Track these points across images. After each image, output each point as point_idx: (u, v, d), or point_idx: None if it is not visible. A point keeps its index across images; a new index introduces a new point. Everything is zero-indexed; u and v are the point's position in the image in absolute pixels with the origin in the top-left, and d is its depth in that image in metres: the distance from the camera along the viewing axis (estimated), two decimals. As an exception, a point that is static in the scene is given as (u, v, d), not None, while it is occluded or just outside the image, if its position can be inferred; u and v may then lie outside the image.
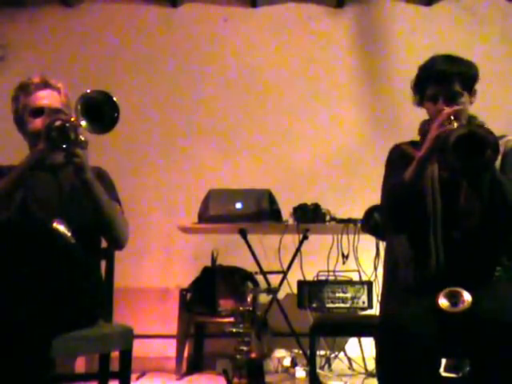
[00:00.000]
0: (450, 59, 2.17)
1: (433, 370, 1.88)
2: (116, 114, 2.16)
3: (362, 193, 4.19)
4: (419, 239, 2.12)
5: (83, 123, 2.14)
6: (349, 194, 4.42)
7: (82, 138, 2.19)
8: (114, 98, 2.16)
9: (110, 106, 2.16)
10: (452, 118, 1.99)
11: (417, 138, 2.31)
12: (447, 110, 2.04)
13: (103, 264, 2.52)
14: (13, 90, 2.45)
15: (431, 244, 2.07)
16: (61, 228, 2.22)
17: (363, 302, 3.79)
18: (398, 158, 2.28)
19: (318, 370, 3.76)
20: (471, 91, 2.19)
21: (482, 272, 2.05)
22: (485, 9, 4.77)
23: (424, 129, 2.26)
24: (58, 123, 2.18)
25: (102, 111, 2.16)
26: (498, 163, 2.12)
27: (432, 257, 2.06)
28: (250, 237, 3.94)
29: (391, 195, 2.15)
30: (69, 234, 2.22)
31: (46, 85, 2.41)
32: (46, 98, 2.39)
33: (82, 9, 4.87)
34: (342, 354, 4.10)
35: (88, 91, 2.17)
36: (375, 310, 3.71)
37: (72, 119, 2.17)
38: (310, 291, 3.79)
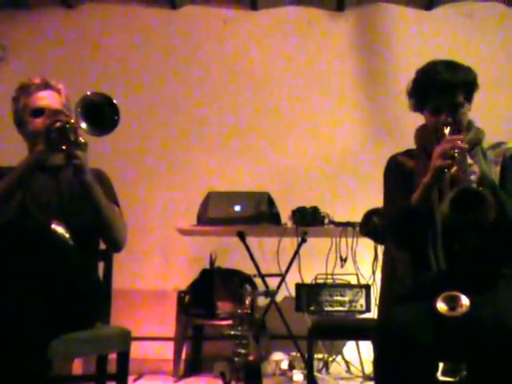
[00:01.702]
0: (452, 67, 2.13)
1: (430, 374, 1.88)
2: (116, 117, 2.16)
3: (361, 196, 4.19)
4: (419, 245, 2.12)
5: (83, 125, 2.14)
6: (347, 198, 4.42)
7: (82, 140, 2.19)
8: (114, 100, 2.16)
9: (110, 108, 2.16)
10: (455, 150, 1.98)
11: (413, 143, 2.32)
12: (450, 138, 2.02)
13: (101, 266, 2.52)
14: (13, 90, 2.46)
15: (430, 250, 2.07)
16: (59, 229, 2.22)
17: (361, 306, 3.78)
18: (395, 170, 2.28)
19: (316, 373, 3.76)
20: (471, 99, 2.18)
21: (481, 278, 2.04)
22: (484, 13, 4.78)
23: (420, 137, 2.27)
24: (57, 124, 2.18)
25: (102, 113, 2.16)
26: (497, 172, 2.13)
27: (431, 261, 2.06)
28: (249, 239, 3.94)
29: (399, 220, 2.13)
30: (67, 236, 2.22)
31: (46, 85, 2.41)
32: (46, 98, 2.39)
33: (83, 10, 4.88)
34: (339, 358, 4.10)
35: (88, 93, 2.17)
36: (373, 314, 3.71)
37: (72, 121, 2.17)
38: (308, 294, 3.78)
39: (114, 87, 4.36)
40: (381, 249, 3.17)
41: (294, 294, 3.83)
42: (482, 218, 1.87)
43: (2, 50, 4.74)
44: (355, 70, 4.78)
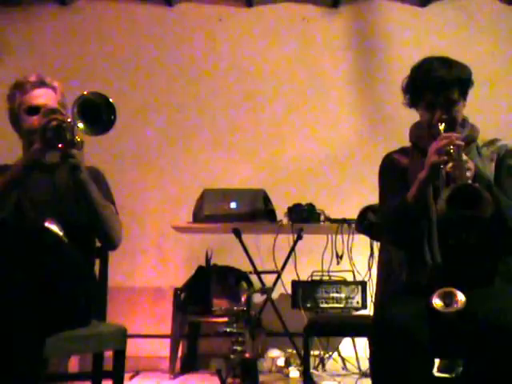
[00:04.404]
0: (447, 63, 2.13)
1: (426, 371, 1.88)
2: (113, 116, 2.15)
3: (357, 193, 4.20)
4: (414, 241, 2.12)
5: (80, 125, 2.13)
6: (343, 194, 4.43)
7: (78, 139, 2.18)
8: (111, 100, 2.15)
9: (107, 108, 2.15)
10: (451, 147, 1.98)
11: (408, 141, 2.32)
12: (446, 135, 2.02)
13: (97, 263, 2.51)
14: (8, 87, 2.45)
15: (425, 247, 2.08)
16: (53, 227, 2.22)
17: (357, 302, 3.79)
18: (389, 168, 2.28)
19: (312, 370, 3.76)
20: (466, 96, 2.18)
21: (476, 274, 2.05)
22: (479, 9, 4.78)
23: (415, 134, 2.27)
24: (53, 123, 2.17)
25: (98, 113, 2.15)
26: (492, 169, 2.13)
27: (427, 257, 2.07)
28: (245, 236, 3.94)
29: (394, 217, 2.13)
30: (61, 234, 2.22)
31: (42, 83, 2.40)
32: (42, 96, 2.38)
33: (77, 7, 4.87)
34: (335, 354, 4.10)
35: (85, 93, 2.16)
36: (369, 310, 3.72)
37: (68, 120, 2.16)
38: (304, 291, 3.79)
39: (108, 84, 4.39)
40: (377, 245, 3.17)
41: (290, 290, 3.84)
42: (480, 215, 1.87)
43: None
44: (350, 66, 4.78)
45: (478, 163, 2.07)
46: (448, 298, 1.92)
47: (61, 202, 2.34)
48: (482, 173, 2.03)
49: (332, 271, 3.90)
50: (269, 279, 4.00)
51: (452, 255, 2.06)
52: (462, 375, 2.48)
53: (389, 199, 2.21)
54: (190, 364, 4.16)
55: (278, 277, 3.96)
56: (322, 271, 3.90)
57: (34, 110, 2.36)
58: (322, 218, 3.87)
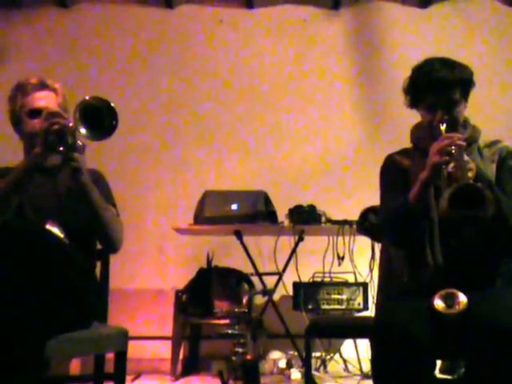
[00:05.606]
0: (448, 64, 2.13)
1: (428, 372, 1.88)
2: (114, 122, 2.14)
3: (358, 194, 4.20)
4: (415, 242, 2.12)
5: (82, 131, 2.13)
6: (344, 196, 4.43)
7: (80, 143, 2.18)
8: (112, 104, 2.14)
9: (108, 112, 2.14)
10: (452, 147, 1.98)
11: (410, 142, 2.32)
12: (447, 135, 2.02)
13: (98, 265, 2.51)
14: (8, 90, 2.44)
15: (427, 247, 2.07)
16: (54, 230, 2.22)
17: (359, 304, 3.79)
18: (391, 169, 2.28)
19: (314, 372, 3.76)
20: (467, 97, 2.18)
21: (478, 275, 2.05)
22: (480, 11, 4.78)
23: (416, 134, 2.27)
24: (55, 127, 2.17)
25: (100, 118, 2.14)
26: (493, 170, 2.13)
27: (428, 258, 2.06)
28: (246, 238, 3.94)
29: (396, 217, 2.13)
30: (61, 236, 2.21)
31: (43, 85, 2.40)
32: (43, 99, 2.38)
33: (78, 10, 4.87)
34: (337, 356, 4.10)
35: (87, 98, 2.15)
36: (371, 312, 3.72)
37: (70, 124, 2.16)
38: (306, 293, 3.79)
39: (109, 86, 4.40)
40: (378, 247, 3.17)
41: (291, 292, 3.84)
42: (482, 214, 1.87)
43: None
44: (351, 68, 4.78)
45: (480, 164, 2.07)
46: (450, 300, 1.91)
47: (62, 205, 2.34)
48: (483, 173, 2.02)
49: (333, 273, 3.90)
50: (270, 281, 3.99)
51: (453, 256, 2.05)
52: (463, 376, 2.48)
53: (390, 200, 2.21)
54: (191, 366, 4.16)
55: (280, 278, 3.95)
56: (324, 273, 3.90)
57: (36, 112, 2.36)
58: (323, 219, 3.87)
